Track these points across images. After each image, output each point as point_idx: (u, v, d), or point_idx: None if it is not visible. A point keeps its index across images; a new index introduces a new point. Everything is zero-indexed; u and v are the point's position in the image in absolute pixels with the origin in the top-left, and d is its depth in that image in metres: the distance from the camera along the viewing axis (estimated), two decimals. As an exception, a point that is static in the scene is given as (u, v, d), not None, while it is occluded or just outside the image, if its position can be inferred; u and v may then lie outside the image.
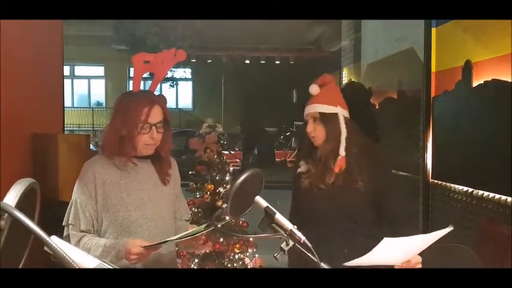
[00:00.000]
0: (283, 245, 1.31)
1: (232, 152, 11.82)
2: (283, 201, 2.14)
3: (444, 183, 3.02)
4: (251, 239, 3.26)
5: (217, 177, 3.51)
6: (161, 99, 1.79)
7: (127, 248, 1.60)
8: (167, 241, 1.61)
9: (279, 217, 1.35)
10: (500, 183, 2.43)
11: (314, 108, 1.91)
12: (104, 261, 1.13)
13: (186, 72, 16.87)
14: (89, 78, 17.37)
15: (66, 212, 1.75)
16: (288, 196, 2.07)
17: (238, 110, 15.40)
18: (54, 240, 0.85)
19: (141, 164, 1.78)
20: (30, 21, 2.39)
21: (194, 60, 14.11)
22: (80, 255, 1.10)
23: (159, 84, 1.95)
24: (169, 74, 14.72)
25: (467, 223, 2.69)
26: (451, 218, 2.83)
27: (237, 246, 3.36)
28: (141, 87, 1.84)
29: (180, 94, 17.68)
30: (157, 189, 1.80)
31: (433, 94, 3.18)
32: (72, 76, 16.87)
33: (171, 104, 14.64)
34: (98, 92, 17.28)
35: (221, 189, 3.48)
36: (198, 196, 3.51)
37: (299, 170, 1.97)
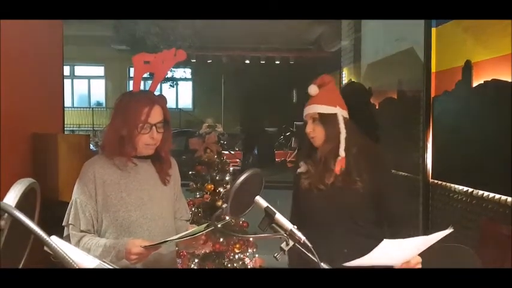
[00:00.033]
0: (283, 245, 1.31)
1: (232, 152, 11.81)
2: (283, 201, 2.14)
3: (444, 183, 3.02)
4: (251, 239, 3.26)
5: (217, 177, 3.51)
6: (161, 99, 1.79)
7: (127, 248, 1.60)
8: (167, 241, 1.61)
9: (279, 217, 1.35)
10: (500, 183, 2.43)
11: (313, 109, 1.91)
12: (104, 261, 1.13)
13: (186, 72, 16.86)
14: (89, 78, 17.36)
15: (66, 212, 1.75)
16: (288, 196, 2.07)
17: (238, 110, 15.40)
18: (54, 240, 0.85)
19: (141, 164, 1.78)
20: (30, 21, 2.39)
21: (194, 60, 14.10)
22: (80, 255, 1.10)
23: (159, 84, 1.95)
24: (169, 74, 14.72)
25: (467, 223, 2.69)
26: (451, 218, 2.84)
27: (237, 246, 3.36)
28: (141, 87, 1.84)
29: (180, 94, 17.68)
30: (158, 189, 1.80)
31: (433, 94, 3.18)
32: (72, 76, 16.87)
33: (171, 104, 14.63)
34: (98, 92, 17.28)
35: (221, 189, 3.48)
36: (198, 196, 3.51)
37: (299, 170, 1.97)
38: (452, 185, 2.91)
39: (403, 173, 3.51)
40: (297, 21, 9.32)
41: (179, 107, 17.13)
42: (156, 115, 1.73)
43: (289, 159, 12.52)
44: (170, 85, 16.53)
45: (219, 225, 1.54)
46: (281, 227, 1.34)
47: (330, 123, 1.88)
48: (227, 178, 3.53)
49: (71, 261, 0.85)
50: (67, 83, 15.80)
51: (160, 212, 1.79)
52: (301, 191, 1.94)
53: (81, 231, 1.71)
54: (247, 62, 14.83)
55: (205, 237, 1.77)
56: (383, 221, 1.90)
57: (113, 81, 16.46)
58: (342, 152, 1.86)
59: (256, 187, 1.41)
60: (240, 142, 13.35)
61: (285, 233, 1.32)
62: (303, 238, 1.31)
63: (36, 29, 2.72)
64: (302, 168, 1.96)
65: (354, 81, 5.31)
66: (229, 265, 3.33)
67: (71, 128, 15.00)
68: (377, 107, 4.12)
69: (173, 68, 10.35)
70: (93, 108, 16.83)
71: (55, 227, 1.55)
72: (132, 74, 3.99)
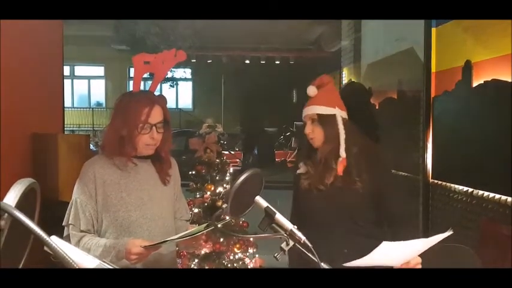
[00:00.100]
0: (283, 245, 1.31)
1: (232, 152, 11.82)
2: (283, 201, 2.14)
3: (444, 183, 3.02)
4: (251, 239, 3.26)
5: (217, 177, 3.51)
6: (161, 100, 1.79)
7: (127, 248, 1.60)
8: (167, 241, 1.61)
9: (279, 217, 1.35)
10: (500, 183, 2.43)
11: (312, 110, 1.90)
12: (104, 261, 1.13)
13: (186, 73, 16.87)
14: (89, 78, 17.36)
15: (66, 212, 1.75)
16: (288, 196, 2.07)
17: (238, 110, 15.40)
18: (54, 240, 0.85)
19: (141, 164, 1.78)
20: (30, 21, 2.39)
21: (194, 61, 14.10)
22: (80, 255, 1.10)
23: (159, 85, 1.95)
24: (169, 74, 14.72)
25: (467, 223, 2.69)
26: (451, 218, 2.83)
27: (237, 246, 3.35)
28: (141, 88, 1.84)
29: (180, 94, 17.68)
30: (158, 189, 1.80)
31: (433, 94, 3.18)
32: (72, 76, 16.87)
33: (171, 104, 14.66)
34: (98, 92, 17.28)
35: (221, 189, 3.48)
36: (198, 196, 3.51)
37: (298, 171, 1.97)
38: (452, 185, 2.91)
39: (403, 173, 3.51)
40: (297, 21, 9.32)
41: (179, 107, 17.13)
42: (156, 115, 1.73)
43: (289, 159, 12.52)
44: (170, 85, 16.54)
45: (219, 225, 1.55)
46: (281, 227, 1.34)
47: (329, 124, 1.88)
48: (227, 178, 3.53)
49: (71, 261, 0.85)
50: (67, 83, 15.80)
51: (160, 212, 1.79)
52: (301, 192, 1.94)
53: (81, 231, 1.71)
54: (247, 62, 14.84)
55: (205, 237, 1.78)
56: (383, 221, 1.90)
57: (113, 82, 16.46)
58: (342, 153, 1.86)
59: (256, 187, 1.41)
60: (240, 142, 13.36)
61: (285, 233, 1.32)
62: (303, 238, 1.31)
63: (36, 29, 2.72)
64: (302, 169, 1.96)
65: (354, 81, 5.31)
66: (229, 265, 3.33)
67: (71, 128, 15.01)
68: (377, 107, 4.12)
69: (173, 68, 10.32)
70: (93, 108, 16.83)
71: (55, 227, 1.55)
72: (132, 74, 3.99)
